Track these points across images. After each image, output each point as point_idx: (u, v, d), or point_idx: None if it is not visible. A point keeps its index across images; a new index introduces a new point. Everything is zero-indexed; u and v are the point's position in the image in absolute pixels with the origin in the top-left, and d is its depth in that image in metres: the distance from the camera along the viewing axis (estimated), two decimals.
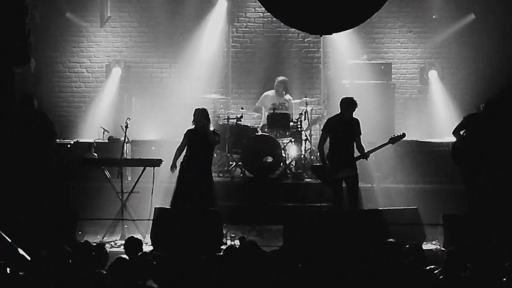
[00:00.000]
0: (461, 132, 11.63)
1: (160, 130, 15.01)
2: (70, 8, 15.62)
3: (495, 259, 7.74)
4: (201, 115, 11.57)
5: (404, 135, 11.65)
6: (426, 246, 10.72)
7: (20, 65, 12.92)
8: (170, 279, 7.14)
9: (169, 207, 11.40)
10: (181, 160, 11.67)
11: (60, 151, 13.28)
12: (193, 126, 11.65)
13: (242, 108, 14.75)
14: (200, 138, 11.55)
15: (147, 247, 10.62)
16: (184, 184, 11.50)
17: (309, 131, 14.30)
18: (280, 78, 14.75)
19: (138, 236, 10.78)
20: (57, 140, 13.14)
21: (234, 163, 14.01)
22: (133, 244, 8.57)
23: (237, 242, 10.75)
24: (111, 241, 11.12)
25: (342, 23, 7.94)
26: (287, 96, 14.69)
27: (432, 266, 7.66)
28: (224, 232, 11.07)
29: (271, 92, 14.72)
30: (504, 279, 7.20)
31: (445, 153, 13.40)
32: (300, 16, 7.85)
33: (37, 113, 12.18)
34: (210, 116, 11.84)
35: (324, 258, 7.55)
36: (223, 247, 10.30)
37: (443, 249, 10.51)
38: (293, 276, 7.15)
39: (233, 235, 11.28)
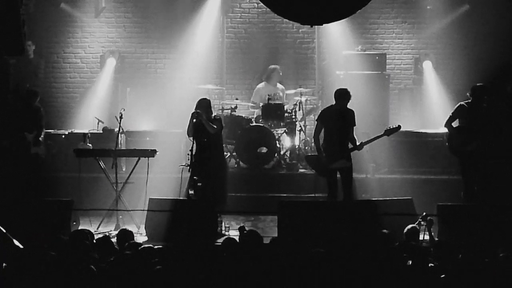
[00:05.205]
0: (454, 123, 11.67)
1: (155, 121, 15.02)
2: None
3: (489, 249, 7.75)
4: (196, 108, 11.61)
5: (399, 127, 11.63)
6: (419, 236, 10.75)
7: (14, 56, 12.95)
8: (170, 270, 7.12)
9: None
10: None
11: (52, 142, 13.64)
12: None
13: (236, 99, 14.73)
14: (200, 130, 11.57)
15: (142, 238, 10.66)
16: (193, 176, 11.56)
17: (303, 121, 14.30)
18: (272, 66, 14.71)
19: (132, 226, 10.86)
20: (52, 130, 13.52)
21: (229, 154, 14.02)
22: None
23: (232, 233, 10.79)
24: (105, 232, 11.12)
25: (333, 13, 7.91)
26: (280, 86, 14.67)
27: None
28: (218, 222, 11.10)
29: (262, 84, 14.67)
30: (498, 270, 7.20)
31: (440, 143, 13.45)
32: (292, 6, 7.84)
33: (37, 106, 13.07)
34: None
35: (318, 249, 7.53)
36: (220, 238, 10.33)
37: (437, 239, 10.54)
38: (287, 267, 7.15)
39: (227, 226, 11.32)
